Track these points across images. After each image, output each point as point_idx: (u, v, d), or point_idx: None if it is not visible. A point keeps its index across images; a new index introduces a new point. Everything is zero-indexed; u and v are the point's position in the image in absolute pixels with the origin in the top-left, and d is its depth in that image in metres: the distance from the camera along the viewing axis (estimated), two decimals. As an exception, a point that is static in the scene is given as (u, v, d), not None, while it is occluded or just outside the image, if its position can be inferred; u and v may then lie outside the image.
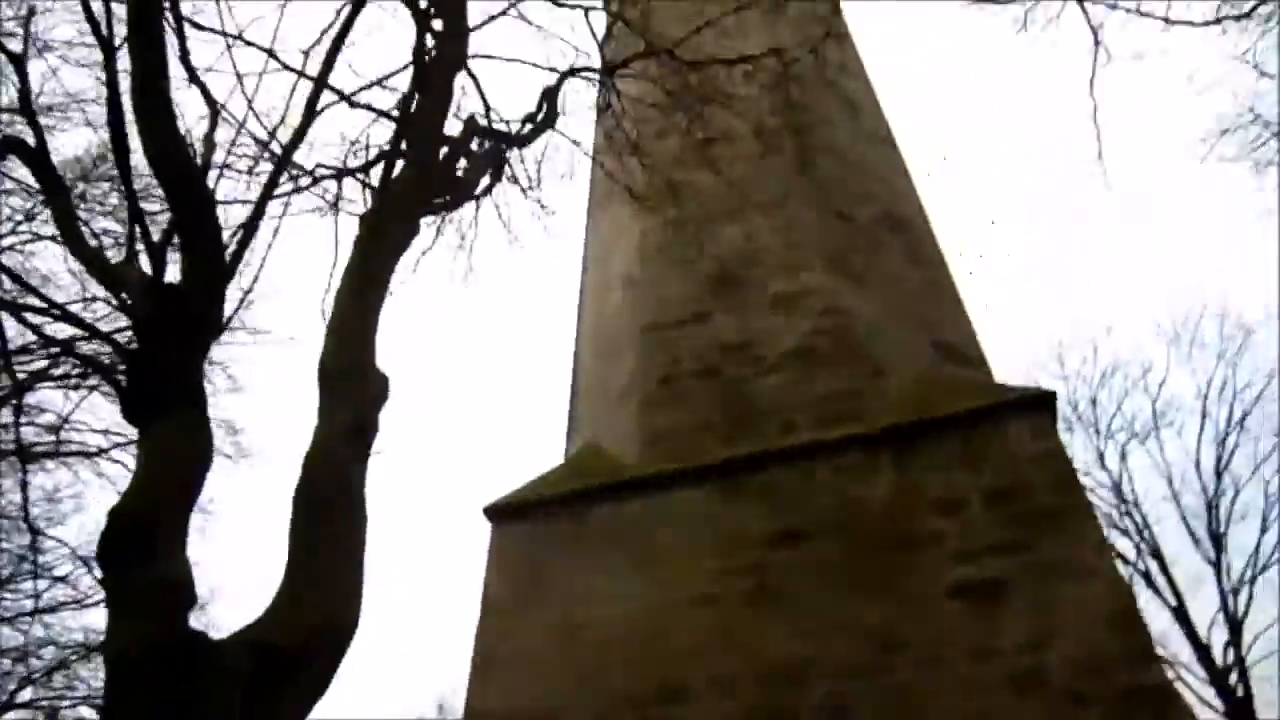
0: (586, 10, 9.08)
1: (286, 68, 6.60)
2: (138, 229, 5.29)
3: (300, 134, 5.82)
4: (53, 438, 12.09)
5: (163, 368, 4.31)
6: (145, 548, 3.75)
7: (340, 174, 7.84)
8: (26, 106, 5.77)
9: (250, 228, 5.30)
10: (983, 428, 8.68)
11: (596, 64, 10.08)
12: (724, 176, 11.50)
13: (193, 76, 6.03)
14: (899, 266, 11.12)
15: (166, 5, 5.08)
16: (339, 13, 6.59)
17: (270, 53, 6.57)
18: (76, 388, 9.90)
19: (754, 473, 9.33)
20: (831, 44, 12.03)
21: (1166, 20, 8.27)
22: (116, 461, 13.15)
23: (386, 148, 6.75)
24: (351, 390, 4.95)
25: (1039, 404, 8.71)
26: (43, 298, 5.56)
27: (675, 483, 9.57)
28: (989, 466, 8.41)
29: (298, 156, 6.87)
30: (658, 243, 11.63)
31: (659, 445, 10.08)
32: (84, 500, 14.05)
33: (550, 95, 7.54)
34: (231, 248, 5.02)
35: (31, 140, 5.84)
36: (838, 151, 12.11)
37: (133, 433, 11.69)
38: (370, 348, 5.23)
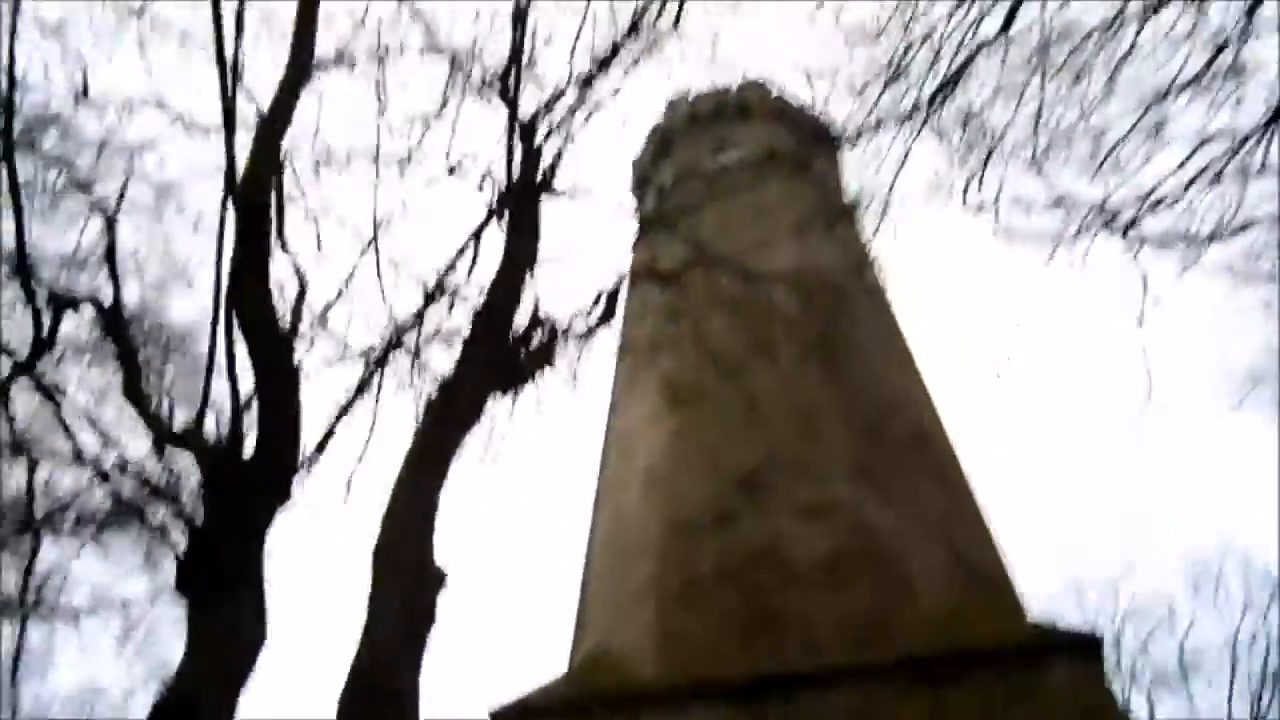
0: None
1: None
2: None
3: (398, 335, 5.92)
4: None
5: (227, 543, 4.11)
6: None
7: (390, 348, 7.84)
8: (111, 262, 5.87)
9: (343, 412, 5.25)
10: (1026, 668, 8.29)
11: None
12: (757, 380, 11.67)
13: (284, 248, 6.20)
14: (926, 484, 11.05)
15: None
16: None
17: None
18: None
19: (779, 695, 8.83)
20: (863, 267, 12.56)
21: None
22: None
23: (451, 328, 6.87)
24: (408, 580, 4.71)
25: (1087, 649, 8.37)
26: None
27: (692, 699, 9.02)
28: (1033, 711, 7.96)
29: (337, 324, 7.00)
30: (685, 440, 11.61)
31: (675, 654, 9.58)
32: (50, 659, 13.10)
33: (612, 297, 7.78)
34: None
35: (109, 296, 5.92)
36: (867, 366, 12.36)
37: (116, 597, 11.12)
38: (430, 536, 5.04)
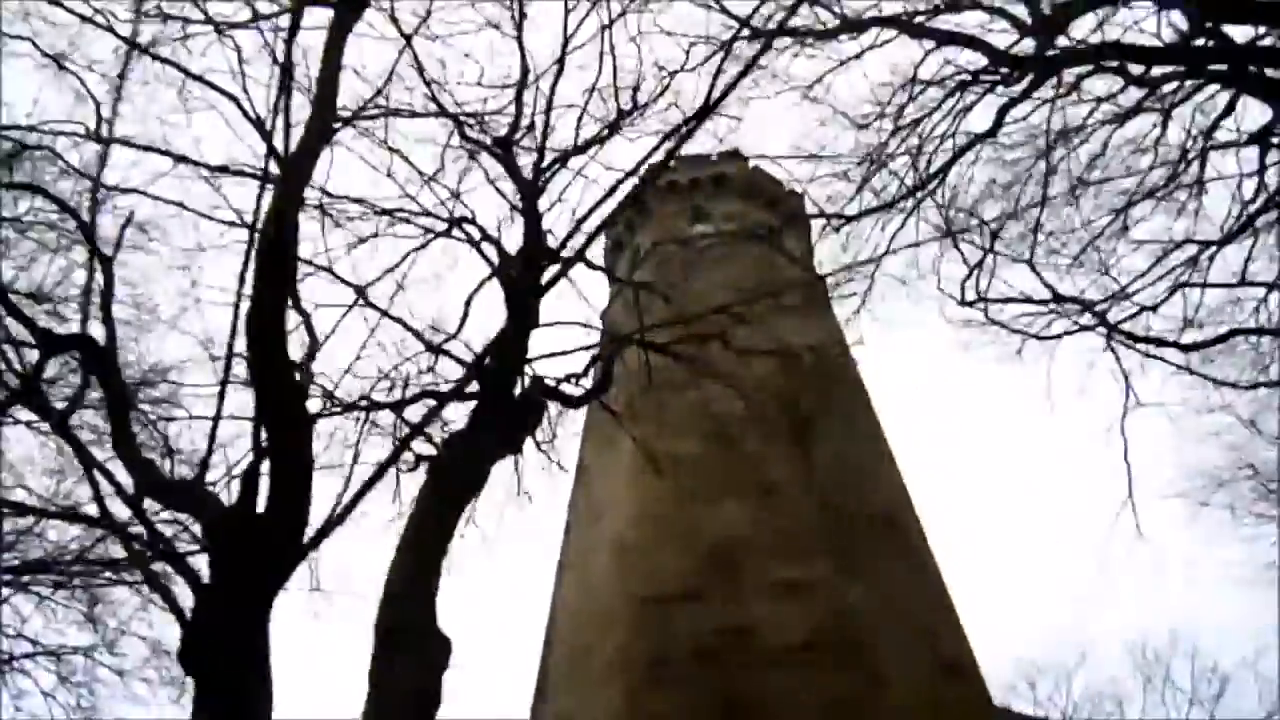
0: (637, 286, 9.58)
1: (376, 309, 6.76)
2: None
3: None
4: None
5: (236, 608, 3.90)
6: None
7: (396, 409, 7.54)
8: (106, 307, 5.64)
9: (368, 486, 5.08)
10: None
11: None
12: (730, 454, 11.67)
13: (297, 307, 6.05)
14: (897, 565, 11.09)
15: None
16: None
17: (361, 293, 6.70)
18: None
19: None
20: (835, 347, 12.75)
21: (1188, 370, 8.91)
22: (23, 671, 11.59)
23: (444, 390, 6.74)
24: (413, 653, 4.52)
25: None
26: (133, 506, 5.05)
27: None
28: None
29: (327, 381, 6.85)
30: (657, 511, 11.49)
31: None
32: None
33: (608, 364, 7.71)
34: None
35: (102, 339, 5.68)
36: (840, 443, 12.45)
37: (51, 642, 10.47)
38: (433, 605, 4.86)
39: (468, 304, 7.49)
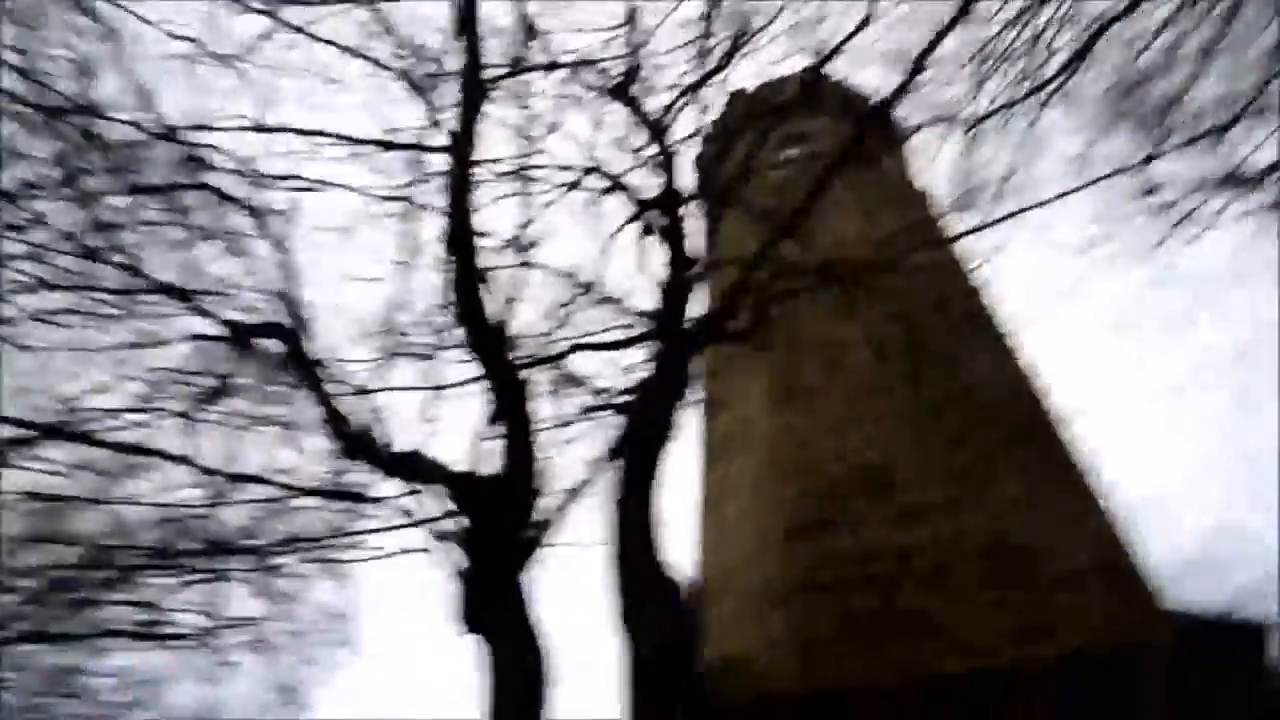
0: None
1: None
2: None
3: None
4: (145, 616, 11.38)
5: (498, 573, 4.03)
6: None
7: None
8: (289, 294, 5.78)
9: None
10: (1190, 658, 8.15)
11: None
12: (866, 378, 11.53)
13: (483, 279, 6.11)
14: (1054, 480, 10.87)
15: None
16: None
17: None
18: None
19: (924, 696, 8.71)
20: (959, 258, 12.38)
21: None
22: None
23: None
24: (654, 604, 4.61)
25: (1251, 637, 8.22)
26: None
27: (836, 702, 8.93)
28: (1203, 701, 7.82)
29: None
30: (796, 439, 11.47)
31: (812, 658, 9.48)
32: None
33: (762, 301, 7.62)
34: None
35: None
36: (977, 361, 12.16)
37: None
38: (659, 554, 4.94)
39: (608, 252, 7.49)
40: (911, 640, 9.30)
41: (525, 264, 6.75)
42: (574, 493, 4.91)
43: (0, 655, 10.88)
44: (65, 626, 10.77)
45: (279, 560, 7.36)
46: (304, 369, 5.65)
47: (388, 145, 6.01)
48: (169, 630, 11.47)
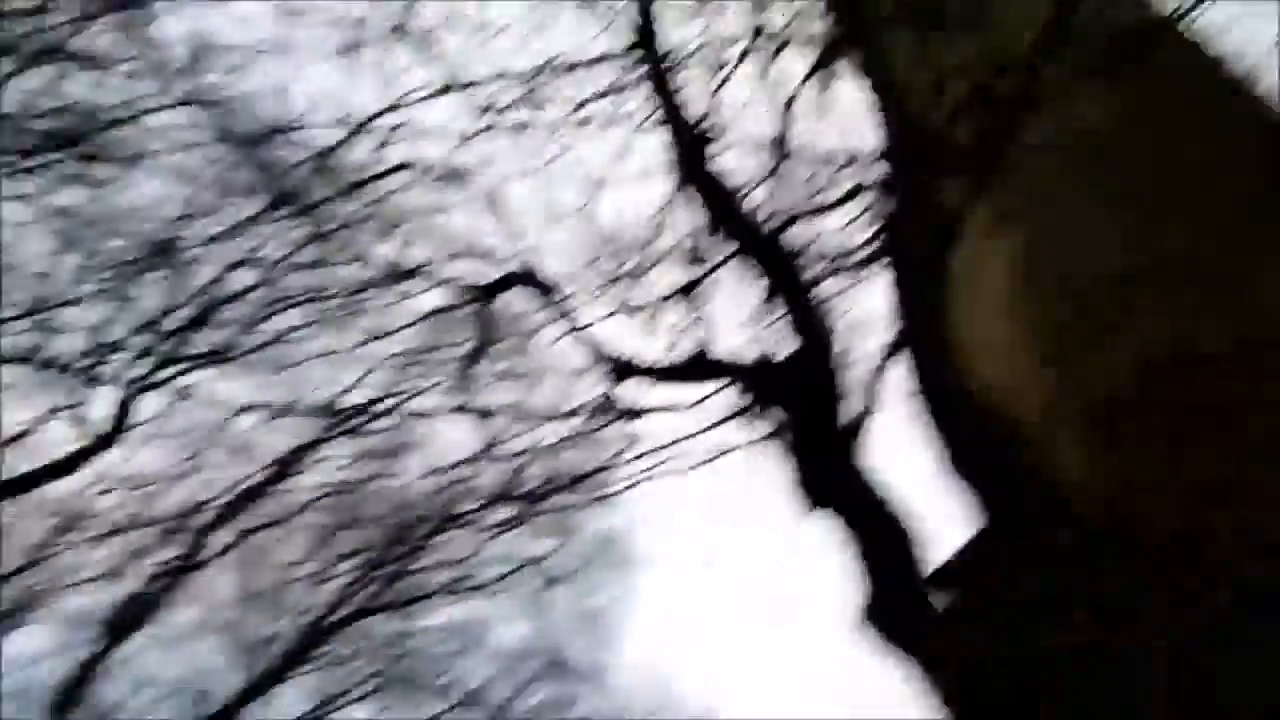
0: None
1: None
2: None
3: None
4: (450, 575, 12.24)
5: (831, 447, 3.91)
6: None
7: None
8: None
9: None
10: None
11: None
12: (1098, 190, 10.40)
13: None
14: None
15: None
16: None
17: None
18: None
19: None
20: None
21: None
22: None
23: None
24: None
25: None
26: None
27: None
28: None
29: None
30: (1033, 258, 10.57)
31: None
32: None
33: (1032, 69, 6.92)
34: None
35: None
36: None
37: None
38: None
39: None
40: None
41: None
42: (882, 359, 4.63)
43: (334, 633, 12.14)
44: (385, 599, 11.83)
45: (563, 500, 7.61)
46: (556, 308, 5.66)
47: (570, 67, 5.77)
48: (473, 584, 12.37)
